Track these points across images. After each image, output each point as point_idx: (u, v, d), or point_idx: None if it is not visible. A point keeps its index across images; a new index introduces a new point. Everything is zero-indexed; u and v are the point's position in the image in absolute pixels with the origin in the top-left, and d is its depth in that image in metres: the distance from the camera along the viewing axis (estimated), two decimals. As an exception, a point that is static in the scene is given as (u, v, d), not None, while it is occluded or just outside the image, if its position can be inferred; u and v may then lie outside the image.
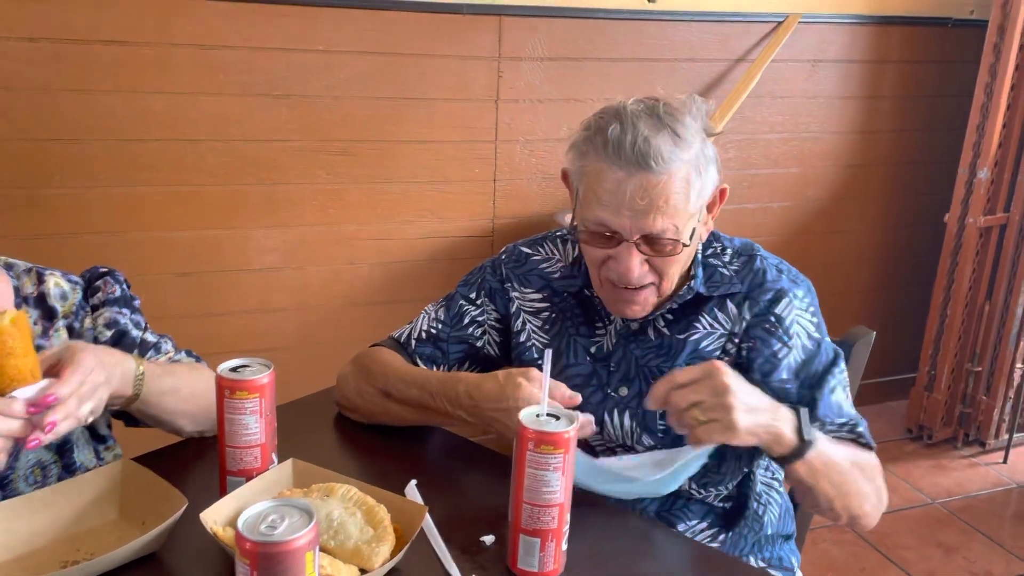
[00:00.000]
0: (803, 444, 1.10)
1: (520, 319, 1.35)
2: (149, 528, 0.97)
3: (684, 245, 1.16)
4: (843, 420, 1.22)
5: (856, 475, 1.18)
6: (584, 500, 1.12)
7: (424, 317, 1.39)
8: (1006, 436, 3.03)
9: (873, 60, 2.99)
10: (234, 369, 1.04)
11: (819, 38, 2.89)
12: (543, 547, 0.95)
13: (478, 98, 2.54)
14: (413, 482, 1.13)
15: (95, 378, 0.99)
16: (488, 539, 1.04)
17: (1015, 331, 2.95)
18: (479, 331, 1.37)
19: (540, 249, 1.38)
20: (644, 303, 1.22)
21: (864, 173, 3.15)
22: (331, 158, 2.41)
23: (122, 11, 2.10)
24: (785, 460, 1.12)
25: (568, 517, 0.97)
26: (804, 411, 1.12)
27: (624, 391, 1.28)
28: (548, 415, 0.96)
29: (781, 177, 3.02)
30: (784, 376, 1.22)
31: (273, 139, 2.33)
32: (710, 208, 1.23)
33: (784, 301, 1.24)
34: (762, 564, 1.31)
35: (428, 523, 1.03)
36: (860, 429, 1.22)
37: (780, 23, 2.80)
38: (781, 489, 1.35)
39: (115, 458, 1.24)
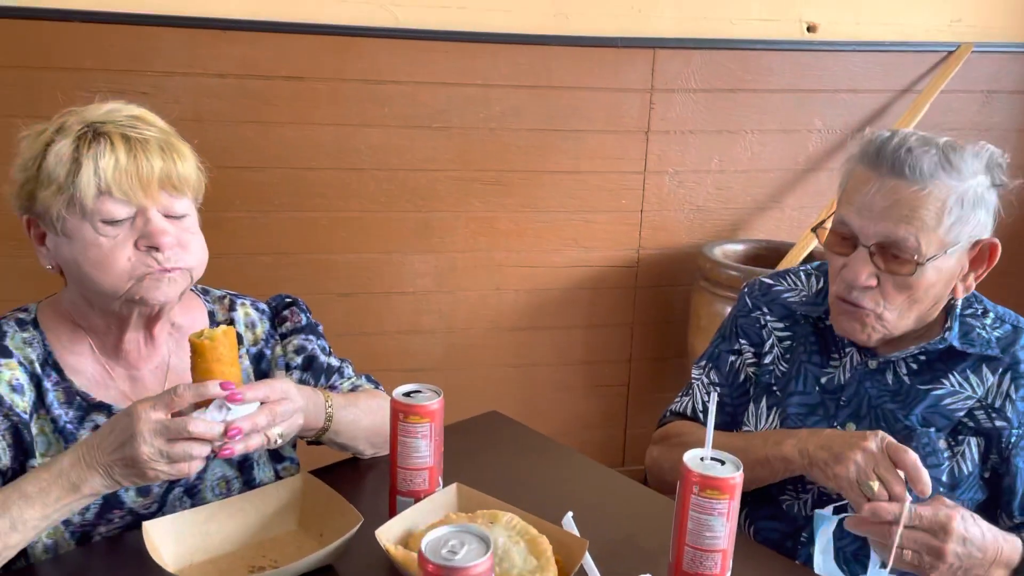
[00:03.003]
0: None
1: (771, 341, 1.35)
2: (326, 540, 1.03)
3: (918, 265, 1.12)
4: None
5: None
6: (746, 546, 1.10)
7: (698, 386, 1.41)
8: None
9: (1055, 90, 2.80)
10: (407, 394, 1.10)
11: (994, 68, 2.74)
12: (705, 592, 0.95)
13: (629, 129, 2.56)
14: (570, 514, 1.15)
15: (291, 404, 1.05)
16: (646, 578, 1.04)
17: None
18: (749, 381, 1.37)
19: (783, 280, 1.39)
20: (866, 326, 1.19)
21: (1042, 210, 2.93)
22: (484, 187, 2.49)
23: (301, 49, 2.27)
24: None
25: (731, 564, 0.96)
26: None
27: (851, 427, 1.25)
28: (713, 459, 0.96)
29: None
30: None
31: (431, 169, 2.44)
32: (974, 264, 1.19)
33: None
34: None
35: (587, 558, 1.05)
36: None
37: (951, 52, 2.67)
38: None
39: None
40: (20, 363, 1.10)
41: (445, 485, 1.13)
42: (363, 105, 2.34)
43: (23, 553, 1.05)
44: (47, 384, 1.11)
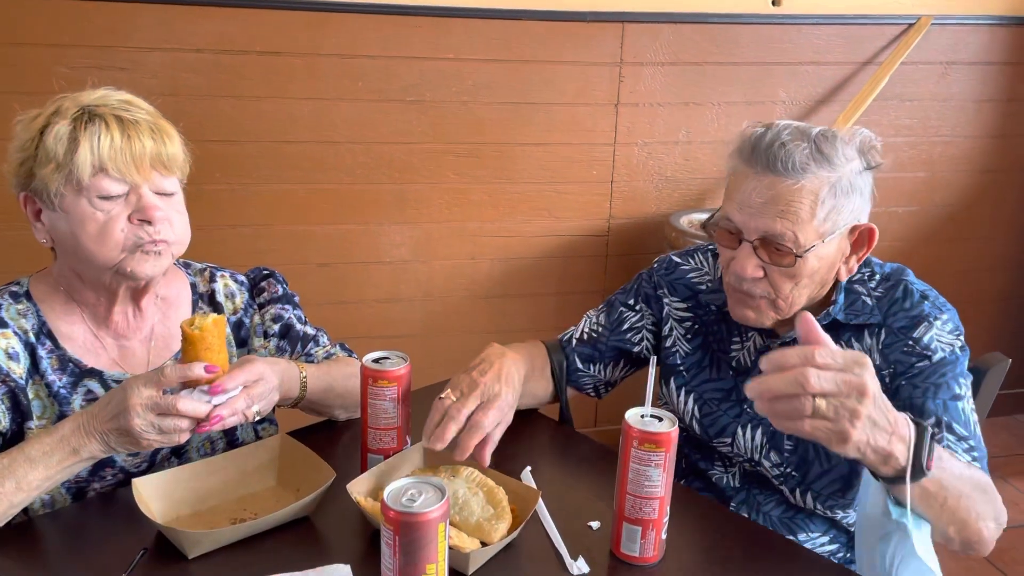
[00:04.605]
0: (916, 470, 0.98)
1: (669, 324, 1.44)
2: (302, 495, 1.12)
3: (797, 256, 1.18)
4: (966, 435, 1.17)
5: (976, 497, 1.07)
6: (685, 496, 1.21)
7: (586, 321, 1.51)
8: None
9: (1011, 62, 2.89)
10: (376, 360, 1.19)
11: (953, 39, 2.82)
12: (644, 535, 1.05)
13: (598, 102, 2.63)
14: (528, 469, 1.25)
15: (267, 384, 1.14)
16: (594, 524, 1.15)
17: None
18: (637, 336, 1.46)
19: (691, 260, 1.46)
20: (760, 312, 1.25)
21: (999, 179, 3.04)
22: (458, 159, 2.56)
23: (276, 24, 2.32)
24: (890, 480, 1.01)
25: (668, 509, 1.06)
26: (929, 431, 0.99)
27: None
28: (651, 416, 1.06)
29: (908, 181, 2.96)
30: (916, 383, 1.20)
31: (406, 142, 2.50)
32: (855, 247, 1.24)
33: (923, 327, 1.23)
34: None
35: (541, 506, 1.15)
36: (978, 454, 1.16)
37: (911, 25, 2.75)
38: None
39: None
40: (15, 333, 1.18)
41: (412, 444, 1.23)
42: (338, 79, 2.39)
43: (23, 508, 1.14)
44: (41, 352, 1.19)
